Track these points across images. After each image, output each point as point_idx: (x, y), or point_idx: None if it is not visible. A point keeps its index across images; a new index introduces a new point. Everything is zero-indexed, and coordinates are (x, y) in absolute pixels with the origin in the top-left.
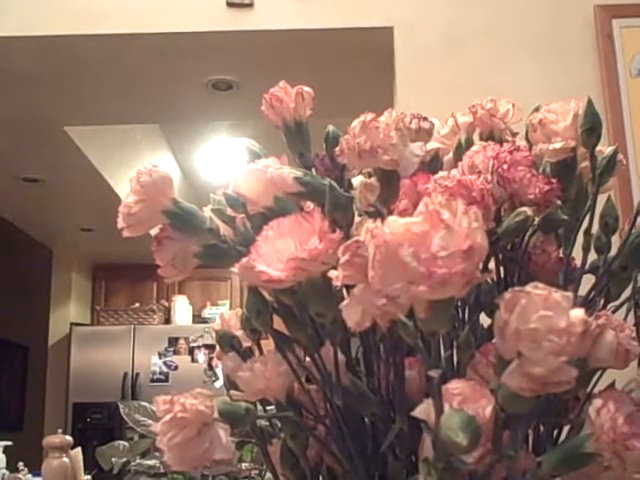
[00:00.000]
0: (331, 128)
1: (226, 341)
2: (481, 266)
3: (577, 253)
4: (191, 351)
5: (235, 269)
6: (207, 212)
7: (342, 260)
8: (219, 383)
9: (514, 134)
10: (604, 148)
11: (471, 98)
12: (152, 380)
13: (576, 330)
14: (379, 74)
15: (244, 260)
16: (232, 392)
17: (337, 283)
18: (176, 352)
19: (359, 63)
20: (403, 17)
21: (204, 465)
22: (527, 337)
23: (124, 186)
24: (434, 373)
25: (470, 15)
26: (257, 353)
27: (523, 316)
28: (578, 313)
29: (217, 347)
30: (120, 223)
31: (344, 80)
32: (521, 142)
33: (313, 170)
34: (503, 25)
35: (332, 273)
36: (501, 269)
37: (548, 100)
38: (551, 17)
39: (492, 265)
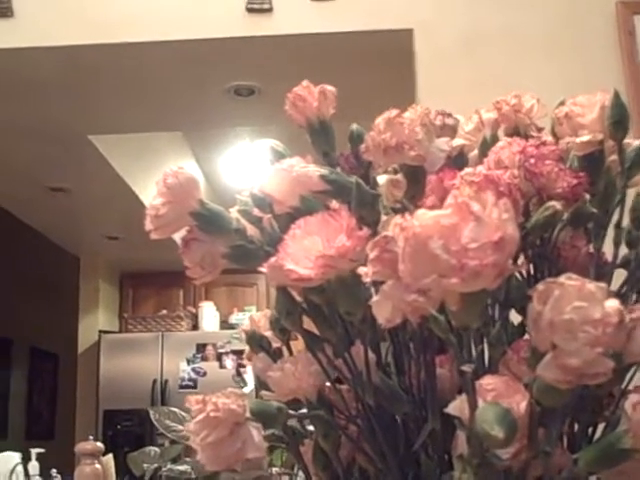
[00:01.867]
0: (355, 127)
1: (256, 342)
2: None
3: (607, 248)
4: (219, 357)
5: (264, 269)
6: (234, 213)
7: (371, 256)
8: (247, 389)
9: (539, 129)
10: (632, 141)
11: (492, 98)
12: (181, 386)
13: (611, 321)
14: (399, 76)
15: (272, 260)
16: (263, 392)
17: (367, 279)
18: (204, 358)
19: (379, 65)
20: (422, 19)
21: (237, 464)
22: (562, 328)
23: (148, 194)
24: (467, 368)
25: (489, 15)
26: (287, 354)
27: (557, 307)
28: (613, 303)
29: (247, 348)
30: (147, 225)
31: (364, 83)
32: (547, 137)
33: (338, 169)
34: (523, 24)
35: (361, 269)
36: (530, 266)
37: (572, 94)
38: (572, 15)
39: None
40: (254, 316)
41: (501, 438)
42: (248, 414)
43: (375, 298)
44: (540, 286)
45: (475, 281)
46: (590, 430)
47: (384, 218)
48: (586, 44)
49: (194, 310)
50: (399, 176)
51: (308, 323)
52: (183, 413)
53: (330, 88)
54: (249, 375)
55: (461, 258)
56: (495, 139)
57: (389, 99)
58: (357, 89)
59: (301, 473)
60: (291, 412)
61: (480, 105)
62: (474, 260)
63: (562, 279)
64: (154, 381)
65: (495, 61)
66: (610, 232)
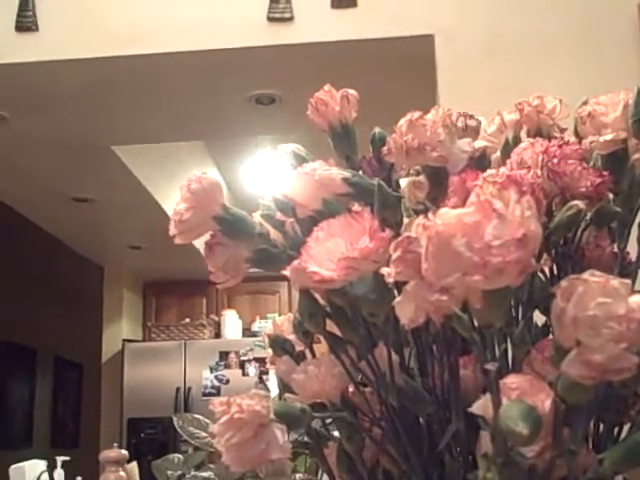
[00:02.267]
0: (377, 130)
1: (279, 345)
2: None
3: (632, 248)
4: (242, 365)
5: (287, 272)
6: (257, 217)
7: (394, 256)
8: (270, 396)
9: (562, 130)
10: None
11: (513, 103)
12: (204, 394)
13: (636, 316)
14: (421, 82)
15: (295, 262)
16: (287, 395)
17: (389, 280)
18: (227, 366)
19: (400, 72)
20: (443, 25)
21: (261, 465)
22: (585, 324)
23: (171, 203)
24: (491, 366)
25: (510, 20)
26: (310, 357)
27: (581, 303)
28: (637, 299)
29: (270, 352)
30: (171, 230)
31: (386, 89)
32: (570, 138)
33: (360, 172)
34: (543, 29)
35: (384, 270)
36: (554, 266)
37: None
38: (592, 19)
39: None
40: (277, 320)
41: (526, 434)
42: (272, 416)
43: (398, 299)
44: (564, 283)
45: (498, 278)
46: (616, 430)
47: (406, 220)
48: (607, 48)
49: (217, 318)
50: (421, 177)
51: (331, 326)
52: (207, 420)
53: (352, 92)
54: (272, 382)
55: (484, 255)
56: (517, 140)
57: (410, 105)
58: (378, 96)
59: (325, 478)
60: (315, 414)
61: (502, 110)
62: (497, 257)
63: (586, 275)
64: (177, 389)
65: (516, 66)
66: (634, 231)
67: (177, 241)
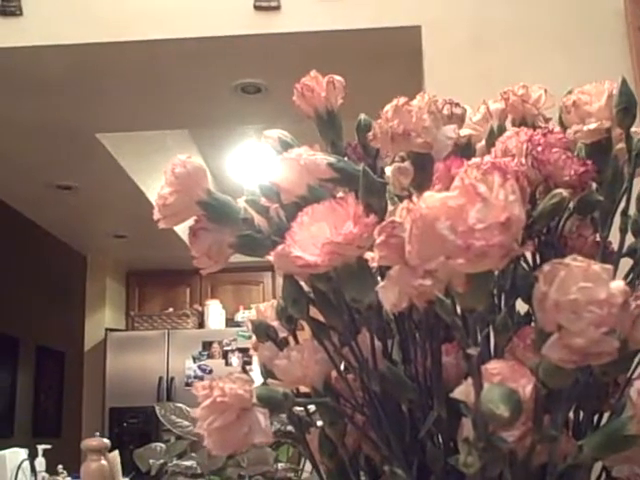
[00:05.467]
0: (363, 116)
1: (262, 331)
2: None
3: (614, 237)
4: (225, 355)
5: (271, 257)
6: (241, 203)
7: (378, 241)
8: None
9: (547, 119)
10: (639, 130)
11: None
12: (187, 384)
13: (616, 301)
14: (407, 74)
15: (280, 247)
16: (269, 381)
17: (373, 264)
18: (210, 356)
19: (387, 63)
20: (430, 16)
21: (244, 449)
22: (567, 308)
23: (156, 192)
24: (473, 351)
25: (498, 11)
26: (293, 343)
27: (563, 288)
28: (618, 284)
29: (253, 338)
30: (155, 214)
31: (372, 80)
32: (554, 127)
33: (346, 159)
34: (532, 20)
35: (368, 255)
36: (537, 255)
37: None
38: (581, 10)
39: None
40: (260, 306)
41: (506, 417)
42: (255, 400)
43: (382, 284)
44: (546, 267)
45: (481, 262)
46: (595, 418)
47: (391, 207)
48: (595, 41)
49: (200, 308)
50: (406, 164)
51: (314, 312)
52: (189, 409)
53: (338, 78)
54: (255, 372)
55: (468, 239)
56: (502, 129)
57: (397, 96)
58: (365, 86)
59: (307, 468)
60: (297, 400)
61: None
62: (480, 241)
63: (568, 260)
64: (160, 378)
65: (503, 58)
66: (617, 221)
67: (161, 225)
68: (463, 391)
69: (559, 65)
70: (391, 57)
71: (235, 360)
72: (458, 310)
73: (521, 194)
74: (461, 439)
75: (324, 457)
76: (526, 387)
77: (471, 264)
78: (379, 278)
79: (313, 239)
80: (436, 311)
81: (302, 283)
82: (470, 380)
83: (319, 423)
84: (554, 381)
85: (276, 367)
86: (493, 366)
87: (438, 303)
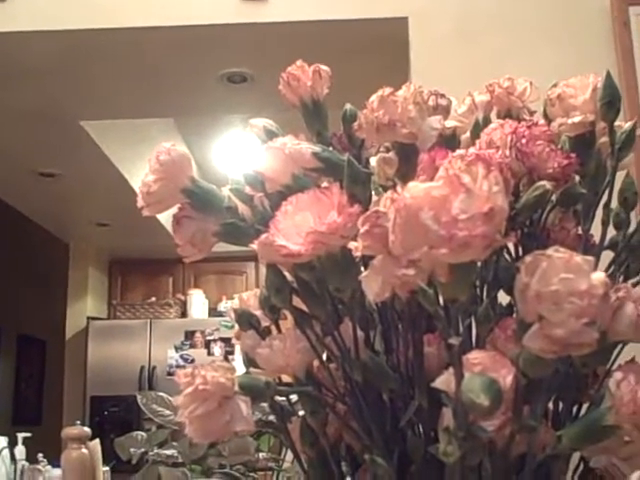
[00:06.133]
0: (348, 106)
1: (245, 320)
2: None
3: (595, 231)
4: (207, 344)
5: (254, 246)
6: (225, 191)
7: (362, 230)
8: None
9: (532, 112)
10: (623, 123)
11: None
12: (169, 373)
13: (597, 292)
14: (394, 65)
15: (263, 236)
16: (252, 370)
17: (357, 253)
18: (192, 345)
19: (373, 54)
20: (417, 7)
21: (225, 437)
22: (548, 299)
23: (139, 181)
24: (455, 341)
25: (485, 4)
26: (275, 332)
27: (544, 279)
28: (599, 276)
29: (236, 327)
30: (139, 202)
31: (358, 71)
32: (539, 120)
33: (331, 149)
34: (518, 13)
35: (352, 244)
36: (519, 247)
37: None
38: (567, 4)
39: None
40: (244, 295)
41: (486, 406)
42: (237, 388)
43: (365, 273)
44: (528, 258)
45: (464, 252)
46: (575, 409)
47: (375, 198)
48: (581, 34)
49: (183, 297)
50: (391, 154)
51: (297, 302)
52: (170, 398)
53: (324, 68)
54: (237, 362)
55: (451, 229)
56: (487, 121)
57: (382, 87)
58: (351, 77)
59: (288, 457)
60: (279, 388)
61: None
62: (463, 231)
63: (550, 251)
64: (142, 368)
65: (489, 50)
66: (599, 214)
67: (145, 213)
68: (444, 381)
69: (544, 58)
70: (377, 48)
71: (217, 350)
72: (440, 300)
73: (505, 186)
74: (442, 428)
75: (305, 446)
76: (506, 377)
77: (454, 254)
78: (362, 268)
79: (297, 228)
80: (419, 301)
81: (285, 272)
82: (451, 370)
83: (301, 412)
84: (534, 371)
85: (258, 356)
86: (474, 356)
87: (421, 293)
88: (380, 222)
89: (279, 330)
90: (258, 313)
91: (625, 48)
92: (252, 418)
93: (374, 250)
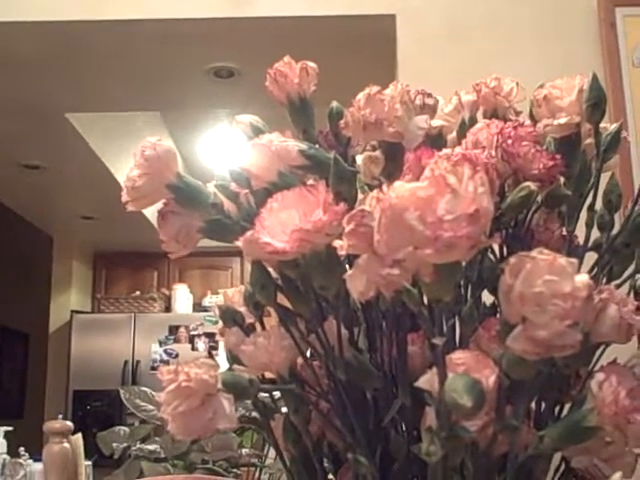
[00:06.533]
0: (335, 104)
1: (229, 316)
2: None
3: (579, 232)
4: (191, 339)
5: (239, 243)
6: (211, 188)
7: (347, 229)
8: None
9: (518, 113)
10: (608, 125)
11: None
12: (152, 368)
13: (581, 295)
14: (381, 62)
15: (248, 234)
16: (235, 367)
17: (342, 252)
18: (176, 340)
19: (360, 51)
20: (406, 5)
21: (208, 434)
22: (532, 301)
23: (125, 174)
24: (438, 341)
25: (473, 3)
26: (260, 329)
27: (528, 280)
28: (583, 278)
29: (220, 323)
30: (124, 197)
31: (345, 68)
32: (525, 120)
33: (316, 146)
34: (507, 13)
35: (337, 243)
36: (504, 247)
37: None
38: (555, 5)
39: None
40: (228, 292)
41: (469, 407)
42: (220, 385)
43: (350, 272)
44: (512, 259)
45: (449, 253)
46: (557, 409)
47: (361, 196)
48: (568, 35)
49: (167, 292)
50: (377, 153)
51: (282, 299)
52: (154, 393)
53: (312, 65)
54: (221, 357)
55: (436, 229)
56: (473, 121)
57: (369, 84)
58: (337, 74)
59: (270, 454)
60: (263, 387)
61: (460, 92)
62: (449, 232)
63: (534, 253)
64: (125, 362)
65: (477, 49)
66: (583, 215)
67: (129, 208)
68: (427, 380)
69: (531, 58)
70: (365, 45)
71: (201, 345)
72: (425, 300)
73: (490, 186)
74: (424, 428)
75: (288, 444)
76: (489, 377)
77: (439, 255)
78: (347, 266)
79: (282, 226)
80: (403, 300)
81: (270, 269)
82: (435, 369)
83: (284, 409)
84: (517, 372)
85: (242, 353)
86: (457, 356)
87: (405, 293)
88: (365, 221)
89: (263, 327)
90: (242, 310)
91: (611, 49)
92: (235, 415)
93: (359, 249)
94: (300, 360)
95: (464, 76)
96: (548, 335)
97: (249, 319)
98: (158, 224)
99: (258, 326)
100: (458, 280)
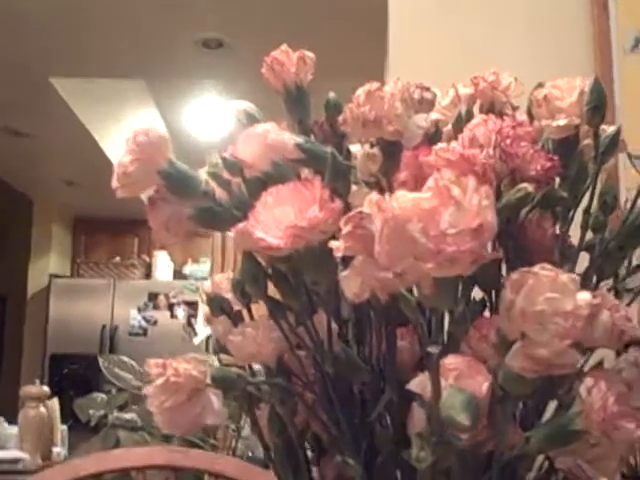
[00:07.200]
0: (332, 95)
1: (217, 304)
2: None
3: (573, 231)
4: (170, 307)
5: (231, 233)
6: (203, 174)
7: (344, 231)
8: (197, 339)
9: (514, 108)
10: (606, 126)
11: (463, 63)
12: (131, 334)
13: (582, 313)
14: (372, 34)
15: (241, 225)
16: (222, 356)
17: (338, 254)
18: (155, 307)
19: (351, 23)
20: None
21: (195, 429)
22: (533, 319)
23: (109, 141)
24: (434, 349)
25: None
26: (247, 317)
27: (530, 297)
28: (584, 296)
29: (205, 308)
30: (114, 183)
31: (335, 40)
32: (521, 116)
33: (312, 136)
34: None
35: (333, 244)
36: (496, 244)
37: (543, 70)
38: None
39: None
40: (216, 278)
41: (467, 425)
42: (209, 380)
43: (345, 273)
44: (514, 275)
45: (451, 267)
46: (541, 407)
47: (354, 188)
48: (560, 16)
49: (148, 259)
50: (375, 150)
51: (271, 290)
52: (132, 362)
53: (309, 54)
54: (199, 325)
55: (439, 243)
56: (470, 115)
57: (361, 57)
58: (327, 46)
59: (247, 426)
60: (250, 380)
61: (450, 68)
62: (452, 246)
63: (536, 269)
64: (104, 327)
65: (470, 26)
66: (578, 215)
67: (120, 194)
68: (419, 384)
69: (524, 37)
70: (356, 17)
71: (181, 312)
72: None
73: (489, 187)
74: (411, 426)
75: (273, 434)
76: (482, 385)
77: (440, 268)
78: (340, 262)
79: (276, 221)
80: (395, 297)
81: (260, 259)
82: (427, 373)
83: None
84: (514, 388)
85: (230, 343)
86: (450, 362)
87: (401, 298)
88: (363, 223)
89: (251, 314)
90: (229, 296)
91: (603, 32)
92: (223, 411)
93: (356, 251)
94: (288, 351)
95: (455, 50)
96: (548, 354)
97: (237, 306)
98: (148, 212)
99: (246, 314)
100: (457, 293)
